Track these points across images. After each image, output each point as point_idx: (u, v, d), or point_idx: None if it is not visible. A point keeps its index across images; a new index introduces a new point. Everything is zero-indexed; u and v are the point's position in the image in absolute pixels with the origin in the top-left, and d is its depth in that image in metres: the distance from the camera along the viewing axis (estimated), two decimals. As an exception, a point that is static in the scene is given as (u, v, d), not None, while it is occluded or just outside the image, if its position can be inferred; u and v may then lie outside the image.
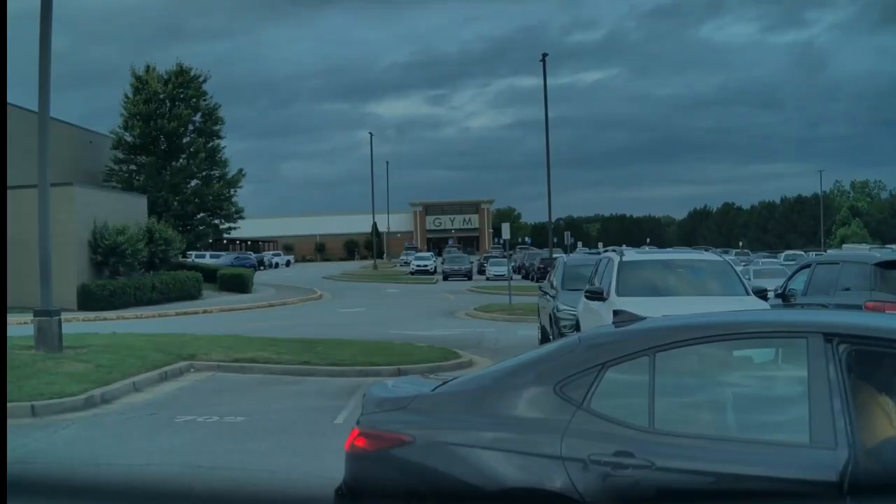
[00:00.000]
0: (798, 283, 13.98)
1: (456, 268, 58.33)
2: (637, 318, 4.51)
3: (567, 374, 4.01)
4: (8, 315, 16.20)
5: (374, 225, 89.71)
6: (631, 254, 13.97)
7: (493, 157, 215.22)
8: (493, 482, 3.85)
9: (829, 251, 57.37)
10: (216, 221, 48.94)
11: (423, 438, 4.06)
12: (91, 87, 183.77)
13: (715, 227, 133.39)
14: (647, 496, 3.70)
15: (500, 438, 3.94)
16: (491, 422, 4.02)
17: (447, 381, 4.55)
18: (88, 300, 28.94)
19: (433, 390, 4.40)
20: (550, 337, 16.16)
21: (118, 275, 31.57)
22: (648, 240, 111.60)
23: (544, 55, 36.25)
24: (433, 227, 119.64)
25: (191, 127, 46.77)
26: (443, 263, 63.37)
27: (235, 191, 48.63)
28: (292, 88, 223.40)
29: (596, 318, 12.42)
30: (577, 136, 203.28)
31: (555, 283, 17.37)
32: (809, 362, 3.78)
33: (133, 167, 45.95)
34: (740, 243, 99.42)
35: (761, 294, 12.43)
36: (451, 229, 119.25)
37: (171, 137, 45.74)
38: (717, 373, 4.22)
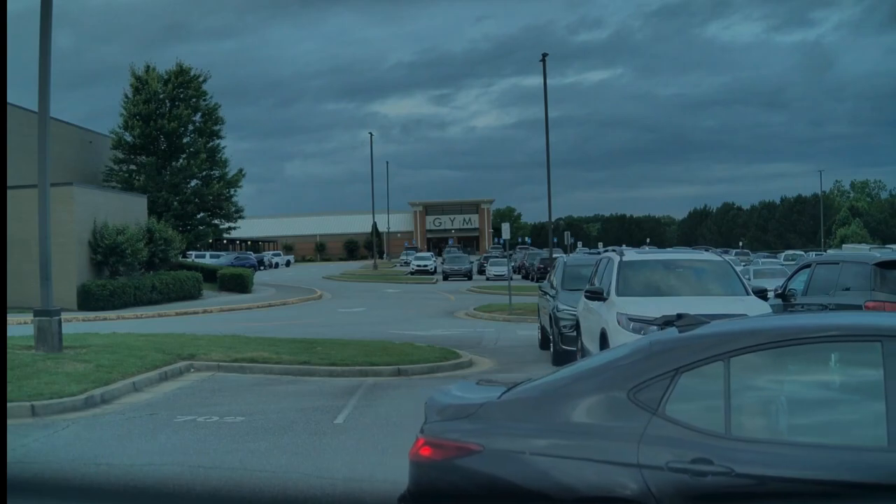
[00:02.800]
0: (798, 283, 13.98)
1: (456, 268, 58.33)
2: (700, 322, 4.44)
3: (640, 379, 3.97)
4: (8, 315, 16.21)
5: (374, 225, 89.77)
6: (631, 254, 13.97)
7: (496, 157, 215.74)
8: (568, 491, 3.80)
9: (829, 251, 57.42)
10: (216, 221, 48.97)
11: (492, 447, 3.98)
12: (95, 87, 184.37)
13: (715, 227, 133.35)
14: None
15: (574, 446, 3.87)
16: (564, 429, 3.96)
17: (512, 387, 4.47)
18: (88, 300, 28.93)
19: (500, 397, 4.32)
20: (550, 337, 16.17)
21: (118, 275, 31.56)
22: (648, 240, 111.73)
23: (544, 55, 36.20)
24: (433, 227, 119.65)
25: (191, 127, 46.77)
26: (443, 263, 63.38)
27: (235, 191, 48.71)
28: (297, 88, 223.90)
29: (596, 317, 12.43)
30: (581, 135, 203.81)
31: (555, 283, 17.38)
32: (886, 365, 3.76)
33: (133, 167, 45.94)
34: (740, 243, 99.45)
35: (761, 294, 12.43)
36: (451, 229, 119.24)
37: (171, 137, 45.74)
38: (792, 377, 4.17)
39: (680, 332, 4.34)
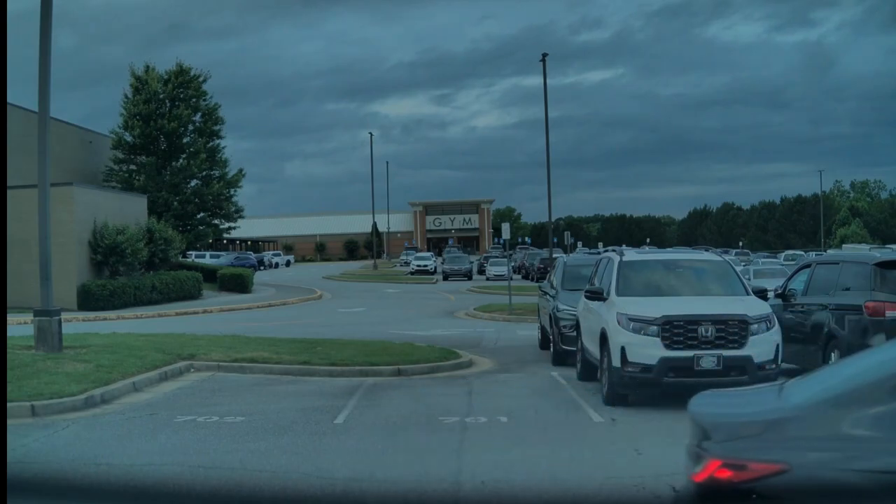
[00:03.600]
0: (798, 283, 13.97)
1: (456, 268, 58.34)
2: None
3: None
4: (8, 315, 16.20)
5: (374, 225, 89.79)
6: (631, 254, 13.99)
7: (496, 157, 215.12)
8: None
9: (829, 251, 57.45)
10: (216, 221, 48.96)
11: (799, 465, 3.76)
12: (95, 87, 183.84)
13: (715, 227, 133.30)
14: None
15: (891, 463, 3.66)
16: (879, 444, 3.77)
17: (790, 391, 4.32)
18: (88, 300, 28.94)
19: (791, 410, 4.17)
20: (550, 337, 16.18)
21: (118, 275, 31.57)
22: (648, 240, 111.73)
23: (544, 55, 36.19)
24: (433, 227, 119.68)
25: (191, 127, 46.74)
26: (443, 263, 63.40)
27: (235, 191, 48.70)
28: (297, 88, 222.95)
29: (596, 317, 12.44)
30: (581, 135, 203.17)
31: (555, 283, 17.38)
32: None
33: (133, 167, 45.90)
34: (740, 243, 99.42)
35: (761, 294, 12.44)
36: (451, 229, 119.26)
37: (171, 137, 45.72)
38: None
39: None
